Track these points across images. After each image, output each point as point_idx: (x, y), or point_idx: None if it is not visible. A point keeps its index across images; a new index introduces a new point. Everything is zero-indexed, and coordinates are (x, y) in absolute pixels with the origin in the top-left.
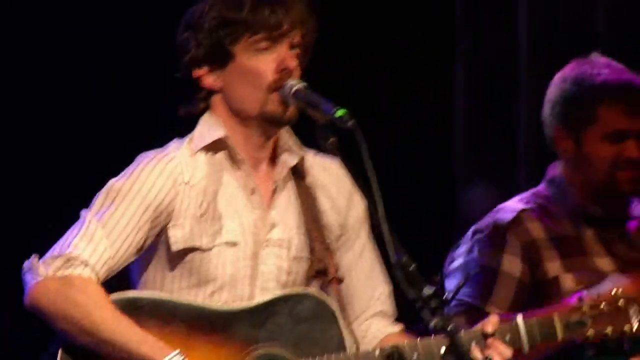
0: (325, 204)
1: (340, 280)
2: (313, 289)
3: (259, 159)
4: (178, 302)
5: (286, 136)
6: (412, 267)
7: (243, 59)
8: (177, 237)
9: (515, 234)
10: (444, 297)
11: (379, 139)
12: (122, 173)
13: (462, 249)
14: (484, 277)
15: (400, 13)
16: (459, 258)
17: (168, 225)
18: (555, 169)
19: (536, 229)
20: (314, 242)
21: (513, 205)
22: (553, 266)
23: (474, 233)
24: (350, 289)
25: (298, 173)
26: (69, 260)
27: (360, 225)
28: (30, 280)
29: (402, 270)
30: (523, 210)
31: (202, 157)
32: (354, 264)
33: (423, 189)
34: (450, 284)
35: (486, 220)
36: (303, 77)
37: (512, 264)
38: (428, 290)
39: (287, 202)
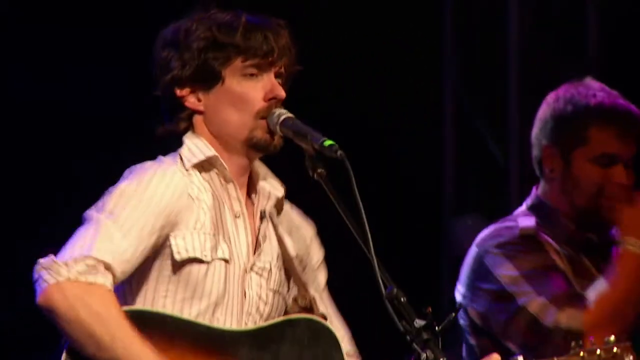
0: (293, 242)
1: (325, 318)
2: (315, 316)
3: (240, 183)
4: (182, 319)
5: (265, 168)
6: (403, 299)
7: (231, 83)
8: (180, 247)
9: (544, 237)
10: (435, 330)
11: (367, 171)
12: (129, 178)
13: (493, 264)
14: (547, 275)
15: (389, 44)
16: (499, 275)
17: (171, 235)
18: (538, 195)
19: (550, 243)
20: (293, 280)
21: (525, 218)
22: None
23: (504, 245)
24: None
25: (275, 207)
26: (94, 266)
27: (319, 269)
28: (48, 279)
29: (393, 302)
30: (537, 224)
31: (196, 174)
32: (318, 300)
33: (410, 222)
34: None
35: (505, 234)
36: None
37: (559, 260)
38: (419, 323)
39: (269, 234)
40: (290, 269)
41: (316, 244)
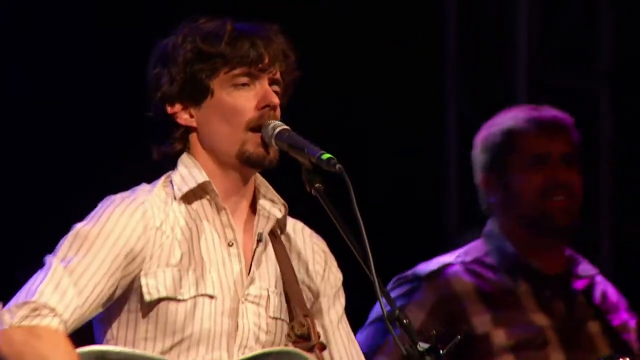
0: (299, 267)
1: (323, 347)
2: (297, 349)
3: (237, 205)
4: (150, 357)
5: (265, 184)
6: (407, 321)
7: (221, 95)
8: (151, 287)
9: (432, 287)
10: (440, 353)
11: (368, 182)
12: (89, 217)
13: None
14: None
15: (391, 51)
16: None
17: (141, 274)
18: (490, 223)
19: (461, 283)
20: (294, 305)
21: (440, 259)
22: (482, 321)
23: (396, 280)
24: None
25: (275, 229)
26: (36, 309)
27: (335, 295)
28: None
29: (396, 324)
30: (447, 264)
31: (180, 204)
32: (330, 334)
33: (412, 235)
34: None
35: (410, 270)
36: (284, 117)
37: (414, 316)
38: (423, 346)
39: (266, 258)
40: (292, 293)
41: (332, 268)
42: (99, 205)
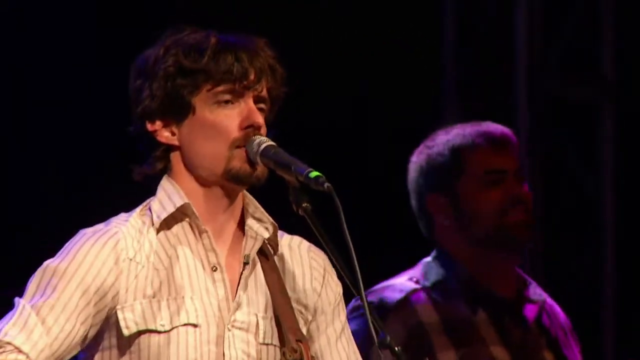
0: (294, 286)
1: None
2: None
3: (223, 226)
4: None
5: (254, 203)
6: (398, 348)
7: (203, 112)
8: (129, 321)
9: (400, 319)
10: None
11: (366, 195)
12: (58, 253)
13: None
14: None
15: (389, 66)
16: None
17: (116, 308)
18: (437, 249)
19: (427, 314)
20: (285, 329)
21: (402, 284)
22: (447, 357)
23: (353, 310)
24: None
25: (265, 249)
26: (0, 347)
27: (334, 312)
28: None
29: (386, 350)
30: (413, 291)
31: (157, 230)
32: (327, 354)
33: (408, 253)
34: None
35: (371, 297)
36: (272, 132)
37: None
38: None
39: (255, 281)
40: (283, 317)
41: (331, 284)
42: (70, 240)
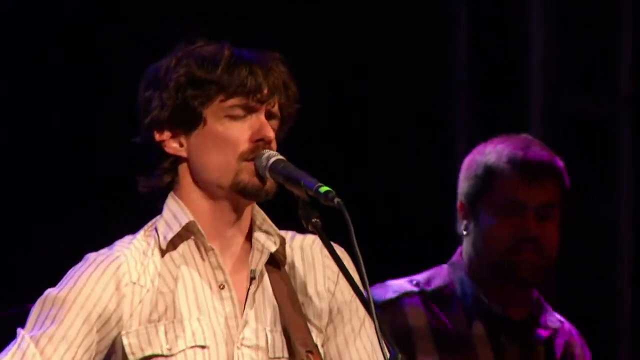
0: (306, 291)
1: None
2: None
3: (230, 241)
4: None
5: (261, 215)
6: None
7: (214, 124)
8: (134, 346)
9: (387, 317)
10: None
11: (376, 213)
12: (60, 281)
13: None
14: None
15: (400, 80)
16: None
17: (121, 333)
18: (459, 253)
19: (416, 316)
20: (295, 341)
21: (399, 285)
22: None
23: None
24: None
25: (274, 259)
26: None
27: (351, 308)
28: None
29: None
30: (407, 293)
31: (162, 252)
32: (344, 350)
33: (419, 255)
34: None
35: (378, 292)
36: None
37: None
38: None
39: (263, 295)
40: (292, 329)
41: (343, 282)
42: (73, 267)
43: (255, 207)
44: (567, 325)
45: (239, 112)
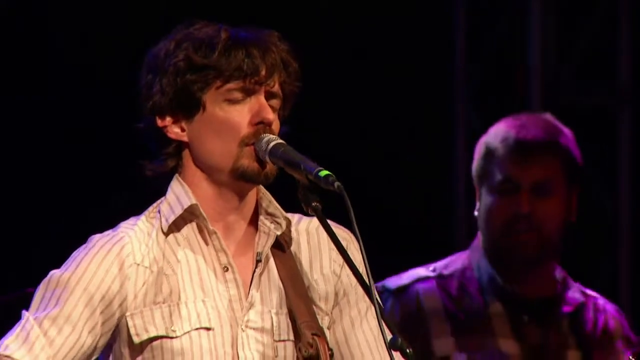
0: (312, 274)
1: (332, 355)
2: None
3: (234, 224)
4: None
5: (267, 198)
6: (409, 350)
7: (213, 109)
8: (138, 328)
9: (399, 302)
10: None
11: (377, 205)
12: (65, 262)
13: None
14: None
15: (400, 72)
16: None
17: (126, 315)
18: (478, 235)
19: (430, 300)
20: (300, 324)
21: (414, 272)
22: (443, 343)
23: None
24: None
25: (279, 242)
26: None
27: (357, 290)
28: None
29: (398, 352)
30: (420, 279)
31: (166, 234)
32: (350, 332)
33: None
34: None
35: (380, 282)
36: (286, 130)
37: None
38: None
39: (268, 278)
40: (298, 312)
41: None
42: (78, 248)
43: (262, 190)
44: (602, 301)
45: (237, 95)
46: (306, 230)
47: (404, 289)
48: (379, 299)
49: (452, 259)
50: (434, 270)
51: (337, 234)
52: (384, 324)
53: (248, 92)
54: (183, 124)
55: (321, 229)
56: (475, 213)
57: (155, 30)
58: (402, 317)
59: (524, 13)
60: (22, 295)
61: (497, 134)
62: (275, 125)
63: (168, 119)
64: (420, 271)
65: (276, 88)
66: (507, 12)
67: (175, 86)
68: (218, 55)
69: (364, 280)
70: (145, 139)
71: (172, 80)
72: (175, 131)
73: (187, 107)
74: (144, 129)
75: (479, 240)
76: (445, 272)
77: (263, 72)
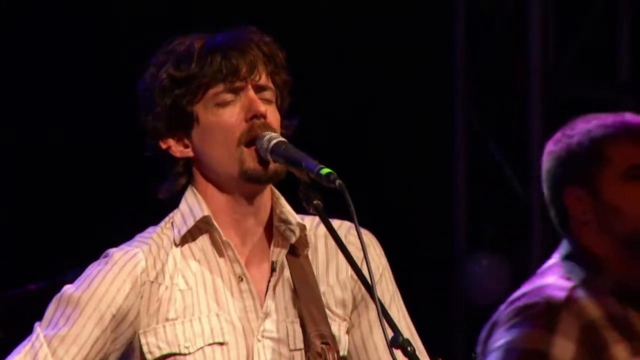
0: (328, 279)
1: None
2: None
3: (249, 232)
4: None
5: (281, 203)
6: (410, 348)
7: (207, 117)
8: (151, 345)
9: (571, 314)
10: None
11: (376, 207)
12: (79, 277)
13: (503, 327)
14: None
15: (400, 70)
16: (499, 338)
17: (139, 332)
18: (575, 242)
19: (591, 309)
20: (310, 333)
21: (560, 283)
22: (621, 349)
23: (522, 309)
24: None
25: (295, 247)
26: None
27: (379, 283)
28: None
29: (400, 350)
30: (574, 288)
31: (180, 246)
32: (368, 336)
33: (420, 261)
34: None
35: (534, 298)
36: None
37: (564, 349)
38: None
39: (282, 286)
40: (309, 320)
41: (370, 267)
42: (93, 263)
43: (276, 194)
44: None
45: (226, 97)
46: (325, 235)
47: (570, 301)
48: (379, 299)
49: (566, 270)
50: (569, 280)
51: (362, 240)
52: (385, 323)
53: (236, 92)
54: (185, 141)
55: (340, 231)
56: (579, 218)
57: (161, 32)
58: (582, 328)
59: (524, 12)
60: (25, 292)
61: (606, 126)
62: (274, 118)
63: (170, 140)
64: (562, 281)
65: (264, 80)
66: (506, 12)
67: (165, 106)
68: (195, 65)
69: (364, 278)
70: (154, 164)
71: (162, 101)
72: (179, 149)
73: (183, 122)
74: (152, 155)
75: (586, 248)
76: (576, 282)
77: (244, 69)
